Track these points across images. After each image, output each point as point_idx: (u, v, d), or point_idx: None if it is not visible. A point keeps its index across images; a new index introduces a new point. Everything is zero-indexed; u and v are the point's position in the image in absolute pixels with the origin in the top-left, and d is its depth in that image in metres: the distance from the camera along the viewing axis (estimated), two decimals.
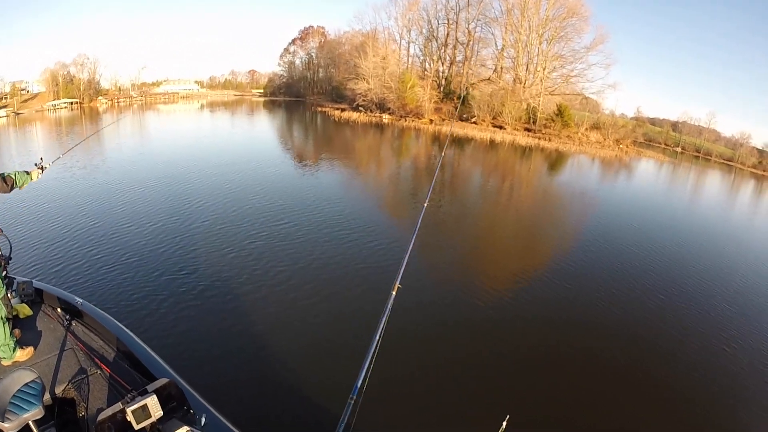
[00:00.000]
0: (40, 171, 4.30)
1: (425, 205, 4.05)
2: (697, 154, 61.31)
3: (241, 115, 60.11)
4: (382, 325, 2.21)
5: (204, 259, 9.86)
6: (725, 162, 63.42)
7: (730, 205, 35.65)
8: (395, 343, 7.00)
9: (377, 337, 2.10)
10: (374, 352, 2.06)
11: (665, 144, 61.92)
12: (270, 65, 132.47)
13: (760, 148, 71.91)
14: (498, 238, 15.34)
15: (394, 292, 2.44)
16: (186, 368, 4.74)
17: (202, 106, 68.62)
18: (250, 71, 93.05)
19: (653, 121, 66.41)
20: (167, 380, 2.99)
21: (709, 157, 62.15)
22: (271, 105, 68.39)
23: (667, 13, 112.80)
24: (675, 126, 65.80)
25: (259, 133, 41.03)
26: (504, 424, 2.96)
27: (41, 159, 4.43)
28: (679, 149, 61.27)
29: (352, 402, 1.86)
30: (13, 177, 3.91)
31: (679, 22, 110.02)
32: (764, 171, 68.30)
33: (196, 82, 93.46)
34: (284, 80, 73.78)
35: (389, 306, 2.32)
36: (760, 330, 10.00)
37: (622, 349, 8.34)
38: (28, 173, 4.09)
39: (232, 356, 6.60)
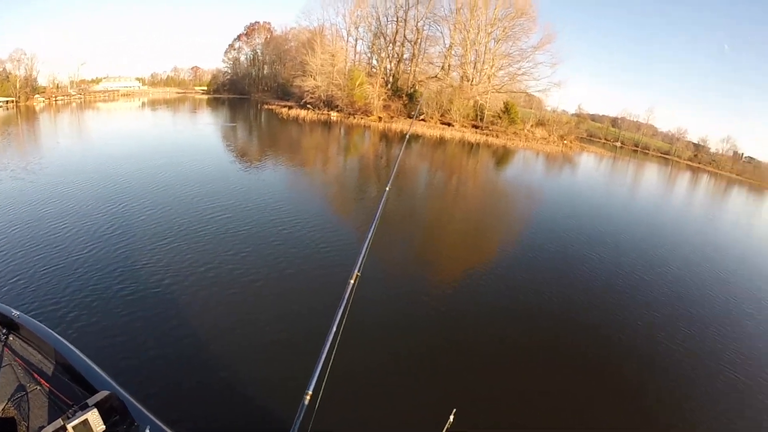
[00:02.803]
0: None
1: (387, 188, 3.94)
2: (636, 149, 64.46)
3: (184, 113, 56.86)
4: (337, 318, 2.13)
5: (145, 264, 9.19)
6: (662, 156, 67.09)
7: (667, 195, 37.55)
8: (349, 339, 6.68)
9: (332, 332, 2.05)
10: (329, 348, 1.99)
11: (605, 139, 64.60)
12: (214, 62, 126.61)
13: (696, 142, 76.92)
14: (447, 232, 15.37)
15: (352, 281, 2.37)
16: (129, 378, 4.77)
17: (143, 104, 64.56)
18: (193, 68, 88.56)
19: (594, 118, 69.18)
20: (108, 392, 2.94)
21: (647, 151, 65.54)
22: (214, 102, 65.24)
23: (608, 14, 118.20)
24: (614, 122, 68.88)
25: (203, 133, 38.69)
26: (451, 417, 2.97)
27: None
28: (618, 144, 64.14)
29: (308, 399, 1.82)
30: None
31: (619, 22, 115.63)
32: (699, 164, 72.98)
33: (137, 79, 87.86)
34: (228, 77, 70.62)
35: (346, 296, 2.23)
36: (694, 311, 10.71)
37: (569, 337, 8.49)
38: None
39: (176, 363, 6.21)
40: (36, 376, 3.50)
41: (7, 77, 59.06)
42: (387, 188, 3.95)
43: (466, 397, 6.13)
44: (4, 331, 4.00)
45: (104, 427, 2.68)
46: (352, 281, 2.37)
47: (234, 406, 5.55)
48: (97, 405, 2.72)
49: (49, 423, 2.81)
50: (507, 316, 8.81)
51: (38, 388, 3.40)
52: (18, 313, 4.11)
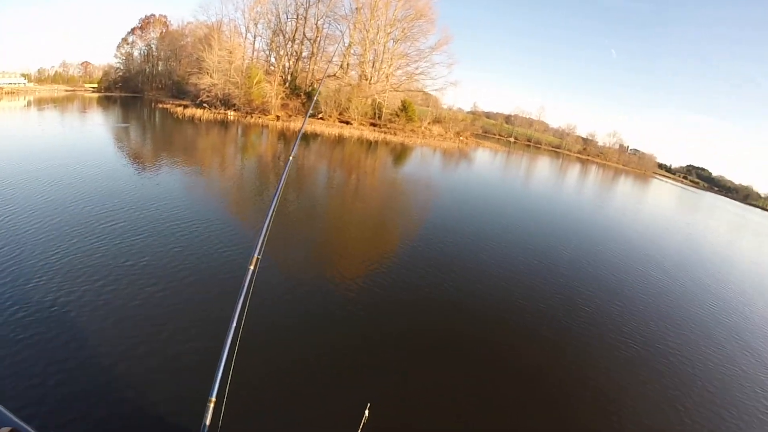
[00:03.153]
0: None
1: (291, 158, 3.66)
2: (529, 143, 69.94)
3: (73, 113, 52.04)
4: (237, 311, 2.00)
5: (36, 284, 8.16)
6: (554, 149, 73.42)
7: (559, 185, 41.25)
8: (254, 340, 6.43)
9: (232, 327, 1.92)
10: (230, 348, 1.86)
11: (500, 135, 69.34)
12: (106, 57, 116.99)
13: (585, 136, 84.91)
14: (349, 229, 15.41)
15: (251, 267, 2.24)
16: (31, 411, 4.70)
17: (29, 103, 58.11)
18: (83, 63, 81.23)
19: (488, 115, 74.01)
20: (9, 428, 2.56)
21: (540, 146, 71.34)
22: (106, 101, 60.36)
23: (503, 14, 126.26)
24: (508, 119, 74.11)
25: (93, 135, 35.74)
26: (366, 413, 2.90)
27: None
28: (512, 139, 69.16)
29: (212, 406, 1.71)
30: None
31: (515, 24, 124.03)
32: (588, 156, 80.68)
33: (23, 75, 78.88)
34: (121, 74, 65.75)
35: (246, 284, 2.09)
36: (590, 289, 11.90)
37: (475, 326, 8.75)
38: None
39: (80, 389, 5.74)
40: None
41: None
42: (291, 156, 3.70)
43: (381, 392, 6.25)
44: None
45: None
46: (251, 267, 2.24)
47: (145, 427, 5.34)
48: None
49: None
50: (411, 311, 8.96)
51: None
52: None
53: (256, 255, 2.32)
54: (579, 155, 78.21)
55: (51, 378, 5.93)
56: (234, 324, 1.96)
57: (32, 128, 36.62)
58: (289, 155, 3.66)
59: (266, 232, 2.45)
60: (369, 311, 8.63)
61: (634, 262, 16.50)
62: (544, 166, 56.88)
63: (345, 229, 15.34)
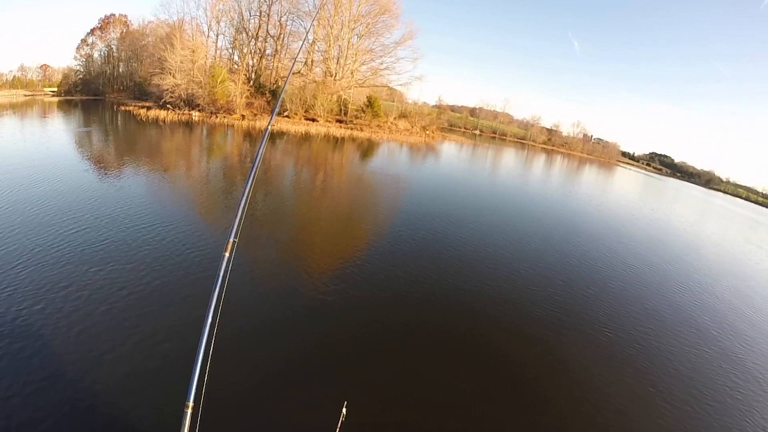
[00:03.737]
0: None
1: (262, 146, 3.17)
2: (494, 135, 71.57)
3: (32, 118, 50.68)
4: (212, 303, 1.88)
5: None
6: (519, 141, 75.41)
7: (525, 175, 42.48)
8: (229, 342, 6.67)
9: (207, 326, 1.80)
10: (205, 348, 1.76)
11: (465, 128, 70.77)
12: (65, 59, 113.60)
13: (549, 127, 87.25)
14: (319, 225, 15.39)
15: (227, 253, 2.10)
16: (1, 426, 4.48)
17: None
18: (42, 66, 78.92)
19: (453, 108, 75.34)
20: None
21: (505, 138, 73.11)
22: (66, 105, 58.89)
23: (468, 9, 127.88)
24: (473, 112, 75.59)
25: (54, 140, 35.00)
26: (344, 410, 2.88)
27: None
28: (478, 132, 70.65)
29: (189, 410, 1.63)
30: None
31: (477, 17, 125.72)
32: (553, 146, 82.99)
33: None
34: (81, 77, 64.17)
35: (221, 272, 1.97)
36: (559, 278, 12.19)
37: (448, 319, 8.91)
38: None
39: (51, 405, 5.56)
40: None
41: None
42: (265, 132, 3.24)
43: (358, 389, 6.27)
44: None
45: None
46: (227, 253, 2.12)
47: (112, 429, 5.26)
48: None
49: None
50: (385, 306, 9.00)
51: None
52: None
53: (231, 239, 2.20)
54: (544, 146, 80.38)
55: (19, 392, 5.74)
56: (209, 319, 1.86)
57: None
58: (262, 137, 3.25)
59: (242, 214, 2.33)
60: (343, 307, 8.64)
61: (603, 249, 17.01)
62: (509, 158, 58.47)
63: (315, 226, 15.25)
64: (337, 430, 2.96)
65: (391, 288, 9.87)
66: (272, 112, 3.06)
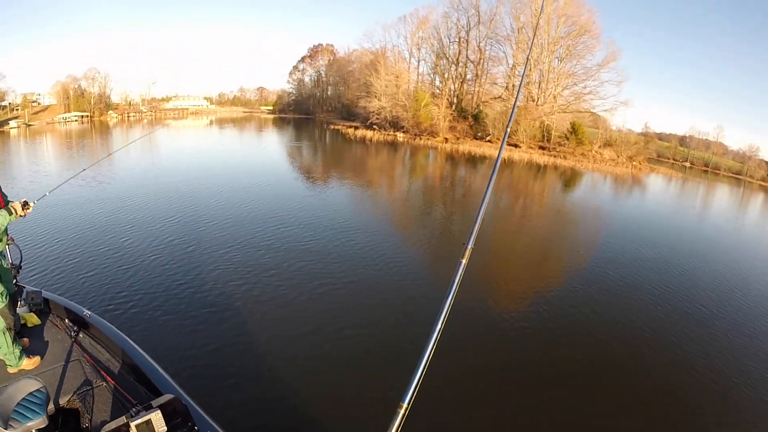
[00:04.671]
0: (21, 210, 3.77)
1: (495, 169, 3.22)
2: (706, 169, 61.82)
3: (250, 132, 60.40)
4: (445, 308, 1.85)
5: (214, 275, 9.48)
6: (734, 176, 63.81)
7: (741, 220, 35.92)
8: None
9: (436, 330, 1.78)
10: (430, 350, 1.76)
11: (674, 159, 62.44)
12: (279, 83, 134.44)
13: None
14: (515, 253, 14.94)
15: (464, 260, 2.06)
16: (192, 384, 4.67)
17: (211, 122, 69.04)
18: (258, 88, 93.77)
19: (660, 136, 67.00)
20: (172, 396, 2.98)
21: (718, 171, 62.68)
22: (280, 122, 68.73)
23: (670, 28, 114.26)
24: (682, 140, 66.44)
25: (269, 151, 41.11)
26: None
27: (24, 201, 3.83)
28: (687, 164, 61.79)
29: (402, 410, 1.61)
30: None
31: (682, 37, 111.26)
32: None
33: (205, 98, 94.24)
34: (293, 98, 74.30)
35: (457, 279, 1.94)
36: None
37: (640, 365, 7.82)
38: (10, 213, 3.65)
39: (243, 373, 6.14)
40: (103, 373, 3.60)
41: (82, 94, 65.55)
42: (498, 156, 2.93)
43: (566, 411, 6.07)
44: (75, 328, 4.17)
45: (166, 428, 2.72)
46: (464, 260, 2.08)
47: (301, 419, 5.39)
48: (160, 407, 2.77)
49: (111, 419, 2.93)
50: (574, 339, 8.46)
51: (104, 384, 3.50)
52: (89, 312, 4.25)
53: (469, 246, 2.17)
54: (762, 182, 67.01)
55: (216, 358, 6.34)
56: (439, 325, 1.83)
57: (216, 144, 43.63)
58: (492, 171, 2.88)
59: (479, 221, 2.29)
60: (539, 334, 8.40)
61: None
62: (723, 196, 49.94)
63: (511, 254, 14.67)
64: None
65: (582, 327, 8.99)
66: (503, 139, 2.76)
